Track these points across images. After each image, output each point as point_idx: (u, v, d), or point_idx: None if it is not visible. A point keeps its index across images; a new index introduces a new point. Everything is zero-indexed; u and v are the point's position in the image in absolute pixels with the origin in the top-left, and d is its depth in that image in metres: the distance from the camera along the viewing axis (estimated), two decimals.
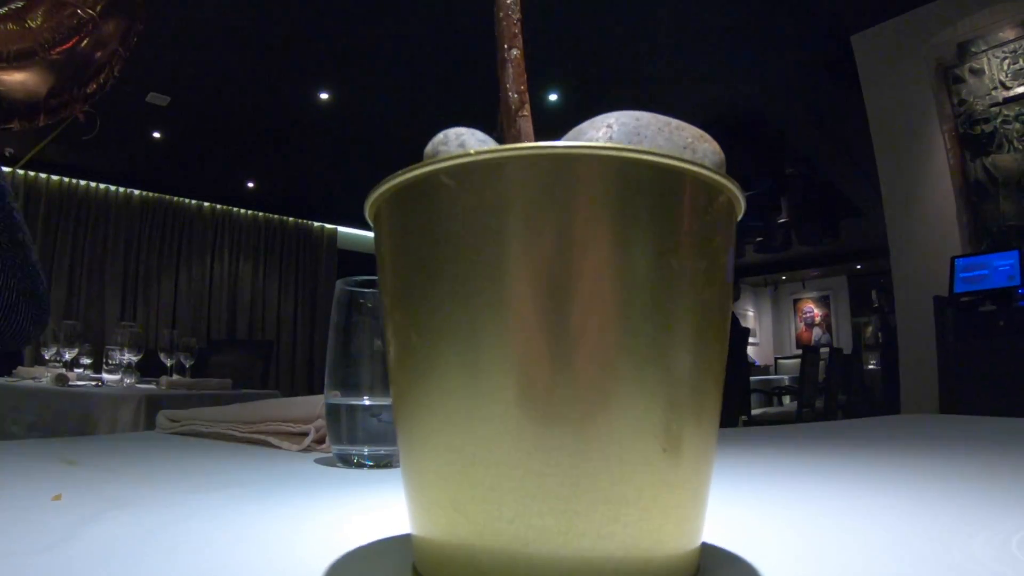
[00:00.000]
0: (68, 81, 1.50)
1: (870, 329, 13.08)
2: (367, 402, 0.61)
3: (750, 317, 12.98)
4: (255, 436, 0.75)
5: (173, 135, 5.90)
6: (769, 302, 13.09)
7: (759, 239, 9.43)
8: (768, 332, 13.05)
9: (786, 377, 8.03)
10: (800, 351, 9.54)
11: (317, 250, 8.13)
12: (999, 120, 3.56)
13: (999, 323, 3.42)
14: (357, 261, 8.42)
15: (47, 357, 2.76)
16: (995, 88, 3.55)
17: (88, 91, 1.60)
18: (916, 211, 4.11)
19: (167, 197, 7.29)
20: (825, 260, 11.06)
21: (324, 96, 5.26)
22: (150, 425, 2.09)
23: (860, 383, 7.93)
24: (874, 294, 13.13)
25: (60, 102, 1.55)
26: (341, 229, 8.28)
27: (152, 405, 2.16)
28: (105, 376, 2.72)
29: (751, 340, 12.80)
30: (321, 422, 0.71)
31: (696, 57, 4.68)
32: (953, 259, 3.70)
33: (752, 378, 8.03)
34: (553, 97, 5.25)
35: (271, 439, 0.74)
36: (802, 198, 7.57)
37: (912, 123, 4.07)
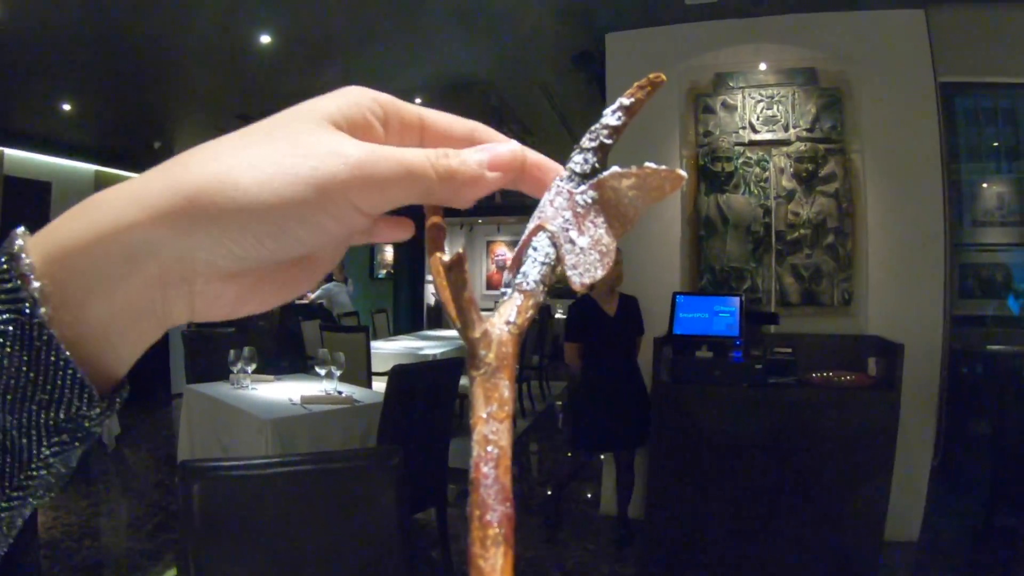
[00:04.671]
0: None
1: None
2: None
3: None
4: None
5: None
6: (463, 241, 13.09)
7: None
8: None
9: None
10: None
11: None
12: (741, 161, 3.44)
13: (715, 372, 3.39)
14: (28, 192, 6.13)
15: None
16: (744, 128, 3.40)
17: None
18: (639, 234, 3.93)
19: None
20: (524, 210, 11.22)
21: None
22: None
23: (555, 342, 7.82)
24: None
25: None
26: (9, 152, 6.02)
27: None
28: None
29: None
30: None
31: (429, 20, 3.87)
32: (675, 295, 3.58)
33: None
34: (265, 40, 4.15)
35: None
36: None
37: (652, 141, 3.83)
